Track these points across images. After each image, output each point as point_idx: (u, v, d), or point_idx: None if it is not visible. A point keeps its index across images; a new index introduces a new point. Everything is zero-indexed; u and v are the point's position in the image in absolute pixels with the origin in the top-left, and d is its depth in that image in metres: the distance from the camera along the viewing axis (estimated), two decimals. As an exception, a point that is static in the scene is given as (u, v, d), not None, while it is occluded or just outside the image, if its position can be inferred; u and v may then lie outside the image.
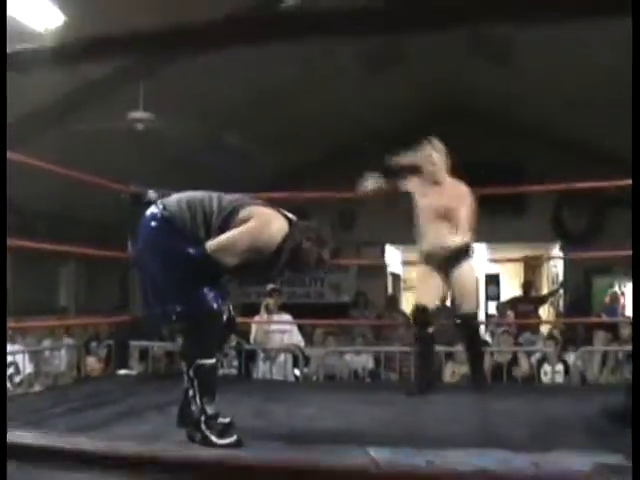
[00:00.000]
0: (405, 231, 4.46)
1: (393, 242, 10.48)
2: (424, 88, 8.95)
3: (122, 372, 5.05)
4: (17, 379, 5.39)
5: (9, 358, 5.08)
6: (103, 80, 6.07)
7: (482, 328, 6.51)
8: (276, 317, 6.00)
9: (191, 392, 2.63)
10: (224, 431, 2.64)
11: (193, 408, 2.64)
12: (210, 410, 2.62)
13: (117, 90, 6.23)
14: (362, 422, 3.24)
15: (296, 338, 6.07)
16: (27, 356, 5.48)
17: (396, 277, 11.82)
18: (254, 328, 6.07)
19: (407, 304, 9.43)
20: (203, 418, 2.61)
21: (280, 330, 6.03)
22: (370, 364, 6.27)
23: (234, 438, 2.62)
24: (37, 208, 7.73)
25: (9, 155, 3.03)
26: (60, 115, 6.28)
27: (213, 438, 2.60)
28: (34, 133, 6.38)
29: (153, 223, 2.78)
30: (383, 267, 10.62)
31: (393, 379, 5.64)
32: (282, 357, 5.58)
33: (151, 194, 4.29)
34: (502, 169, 8.82)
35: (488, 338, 6.64)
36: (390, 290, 11.15)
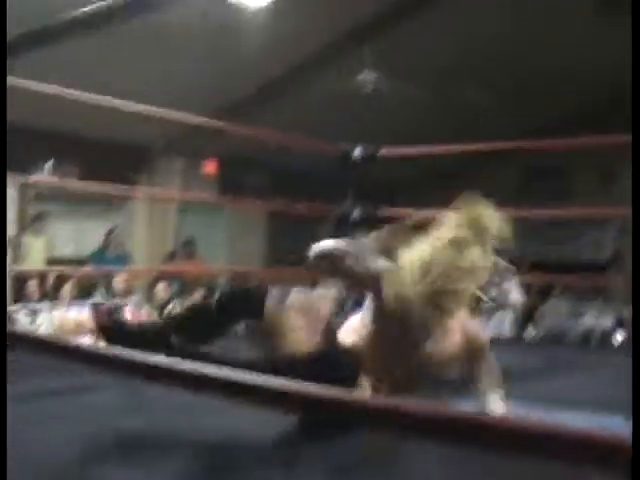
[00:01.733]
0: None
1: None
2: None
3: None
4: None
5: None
6: (333, 42, 6.37)
7: None
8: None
9: None
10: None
11: None
12: None
13: (346, 52, 6.49)
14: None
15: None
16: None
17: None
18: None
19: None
20: None
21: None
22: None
23: None
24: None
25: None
26: (293, 78, 6.75)
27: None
28: (276, 95, 6.96)
29: None
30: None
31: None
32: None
33: (357, 152, 4.50)
34: None
35: None
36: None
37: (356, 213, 4.52)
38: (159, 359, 1.17)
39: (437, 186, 10.06)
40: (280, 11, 5.68)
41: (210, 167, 8.95)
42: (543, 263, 9.90)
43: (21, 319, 5.54)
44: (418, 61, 6.79)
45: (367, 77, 6.39)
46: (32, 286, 5.90)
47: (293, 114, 6.64)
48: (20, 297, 6.00)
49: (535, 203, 8.81)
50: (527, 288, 7.85)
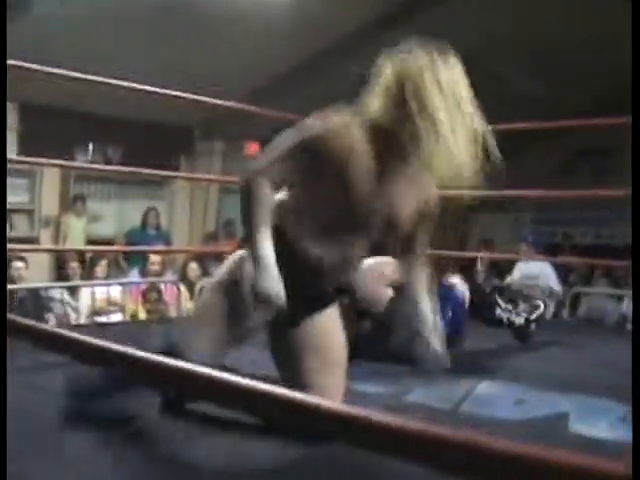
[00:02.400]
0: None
1: None
2: None
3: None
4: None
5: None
6: (365, 27, 6.36)
7: None
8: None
9: None
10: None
11: None
12: None
13: (379, 37, 6.47)
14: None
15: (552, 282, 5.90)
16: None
17: None
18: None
19: None
20: None
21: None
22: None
23: None
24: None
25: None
26: (318, 64, 6.79)
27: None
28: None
29: None
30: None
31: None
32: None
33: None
34: None
35: None
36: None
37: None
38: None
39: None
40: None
41: (252, 149, 9.07)
42: (587, 245, 9.74)
43: (64, 297, 5.75)
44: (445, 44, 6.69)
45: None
46: (73, 265, 6.12)
47: (320, 98, 6.65)
48: (62, 275, 6.24)
49: (580, 184, 8.66)
50: (566, 272, 7.78)
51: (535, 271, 5.87)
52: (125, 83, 3.65)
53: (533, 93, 7.79)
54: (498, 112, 6.72)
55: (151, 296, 6.01)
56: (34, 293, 5.18)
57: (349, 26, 6.54)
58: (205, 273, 6.11)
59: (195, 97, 3.94)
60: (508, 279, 6.01)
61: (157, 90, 3.77)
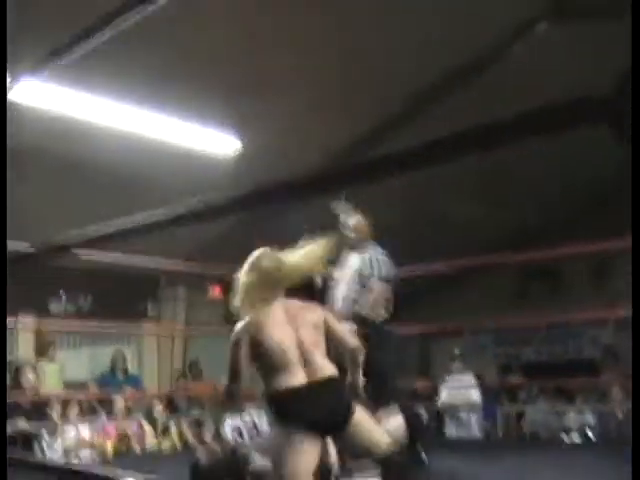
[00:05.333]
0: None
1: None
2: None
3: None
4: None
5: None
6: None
7: None
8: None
9: None
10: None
11: None
12: None
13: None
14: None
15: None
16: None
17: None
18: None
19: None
20: None
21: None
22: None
23: None
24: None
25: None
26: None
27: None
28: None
29: None
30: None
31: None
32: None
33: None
34: None
35: None
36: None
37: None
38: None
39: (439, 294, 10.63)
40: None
41: (215, 291, 9.65)
42: (537, 364, 10.28)
43: (45, 437, 6.12)
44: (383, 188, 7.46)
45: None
46: (50, 407, 6.52)
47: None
48: (41, 417, 6.62)
49: (531, 304, 9.26)
50: (512, 392, 8.27)
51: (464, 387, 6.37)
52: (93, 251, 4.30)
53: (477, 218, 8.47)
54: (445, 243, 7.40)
55: (119, 434, 6.40)
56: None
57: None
58: (175, 411, 6.55)
59: (145, 265, 4.58)
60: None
61: (119, 258, 4.42)
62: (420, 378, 7.97)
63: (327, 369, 2.71)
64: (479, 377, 7.89)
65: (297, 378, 2.66)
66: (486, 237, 8.80)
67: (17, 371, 5.41)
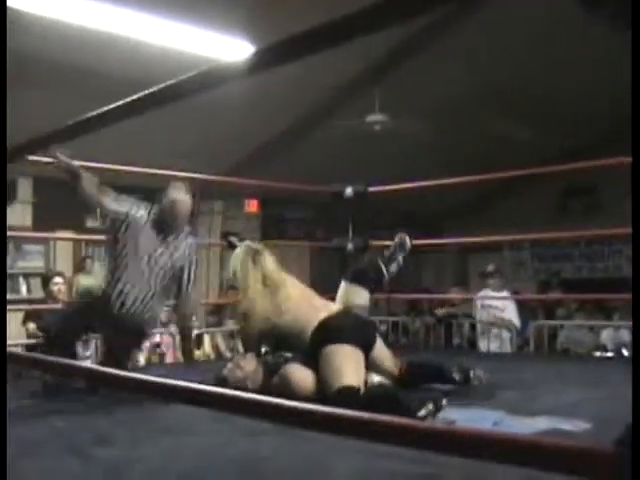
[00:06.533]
0: None
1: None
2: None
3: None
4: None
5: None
6: (342, 86, 6.97)
7: None
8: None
9: None
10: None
11: None
12: None
13: (355, 95, 7.09)
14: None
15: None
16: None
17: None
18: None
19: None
20: None
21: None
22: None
23: None
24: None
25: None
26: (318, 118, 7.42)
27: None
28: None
29: None
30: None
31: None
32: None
33: (348, 191, 5.04)
34: None
35: None
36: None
37: (350, 245, 5.07)
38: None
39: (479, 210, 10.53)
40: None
41: (252, 206, 9.68)
42: (575, 280, 10.18)
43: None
44: (429, 96, 7.24)
45: (377, 118, 6.95)
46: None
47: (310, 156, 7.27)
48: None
49: (570, 221, 9.08)
50: (550, 308, 8.19)
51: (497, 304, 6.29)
52: (127, 168, 4.25)
53: (519, 137, 8.27)
54: (487, 157, 7.23)
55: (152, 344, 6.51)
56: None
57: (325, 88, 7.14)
58: (220, 323, 6.65)
59: (191, 175, 4.49)
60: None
61: (158, 172, 4.36)
62: (458, 291, 7.94)
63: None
64: (516, 293, 7.79)
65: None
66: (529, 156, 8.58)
67: (50, 282, 5.49)
